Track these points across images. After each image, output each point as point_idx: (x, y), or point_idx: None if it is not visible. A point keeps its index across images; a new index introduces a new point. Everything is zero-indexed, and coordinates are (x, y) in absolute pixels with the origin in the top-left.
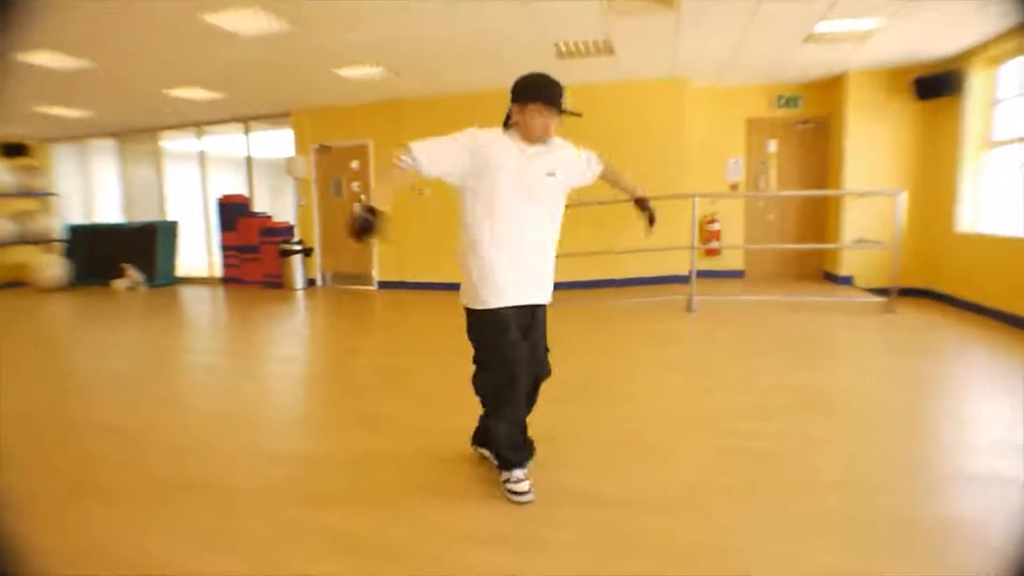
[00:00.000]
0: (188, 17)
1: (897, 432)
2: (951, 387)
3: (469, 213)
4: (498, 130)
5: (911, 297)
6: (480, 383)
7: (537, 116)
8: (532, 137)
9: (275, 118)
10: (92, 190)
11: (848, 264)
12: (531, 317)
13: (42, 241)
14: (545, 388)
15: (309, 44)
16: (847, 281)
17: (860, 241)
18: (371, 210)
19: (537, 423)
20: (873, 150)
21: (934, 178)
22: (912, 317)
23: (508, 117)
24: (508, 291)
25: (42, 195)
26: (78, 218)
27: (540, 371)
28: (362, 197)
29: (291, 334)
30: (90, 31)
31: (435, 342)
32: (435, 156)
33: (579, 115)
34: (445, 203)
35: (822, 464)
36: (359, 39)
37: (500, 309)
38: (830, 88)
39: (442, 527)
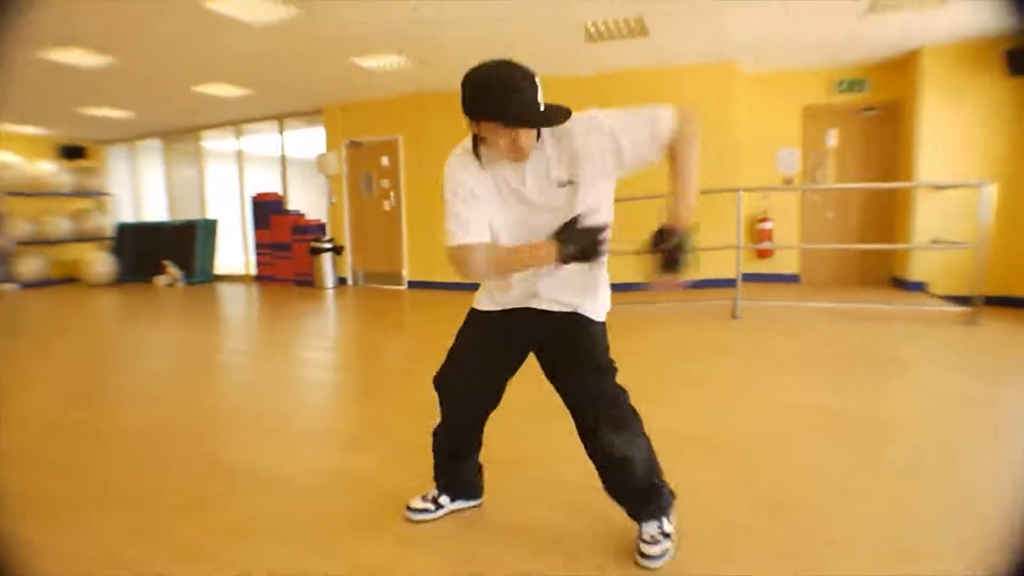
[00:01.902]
0: (191, 5)
1: (954, 479)
2: None
3: None
4: (465, 158)
5: (999, 307)
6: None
7: (494, 135)
8: (506, 158)
9: (308, 115)
10: (140, 189)
11: (922, 268)
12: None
13: (95, 239)
14: (536, 402)
15: (322, 31)
16: (919, 287)
17: (937, 241)
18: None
19: (515, 443)
20: (952, 138)
21: None
22: (998, 330)
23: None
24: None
25: (97, 195)
26: (128, 216)
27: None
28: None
29: (306, 334)
30: (103, 24)
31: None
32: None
33: (559, 122)
34: None
35: (840, 517)
36: (372, 24)
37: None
38: (900, 68)
39: (379, 568)
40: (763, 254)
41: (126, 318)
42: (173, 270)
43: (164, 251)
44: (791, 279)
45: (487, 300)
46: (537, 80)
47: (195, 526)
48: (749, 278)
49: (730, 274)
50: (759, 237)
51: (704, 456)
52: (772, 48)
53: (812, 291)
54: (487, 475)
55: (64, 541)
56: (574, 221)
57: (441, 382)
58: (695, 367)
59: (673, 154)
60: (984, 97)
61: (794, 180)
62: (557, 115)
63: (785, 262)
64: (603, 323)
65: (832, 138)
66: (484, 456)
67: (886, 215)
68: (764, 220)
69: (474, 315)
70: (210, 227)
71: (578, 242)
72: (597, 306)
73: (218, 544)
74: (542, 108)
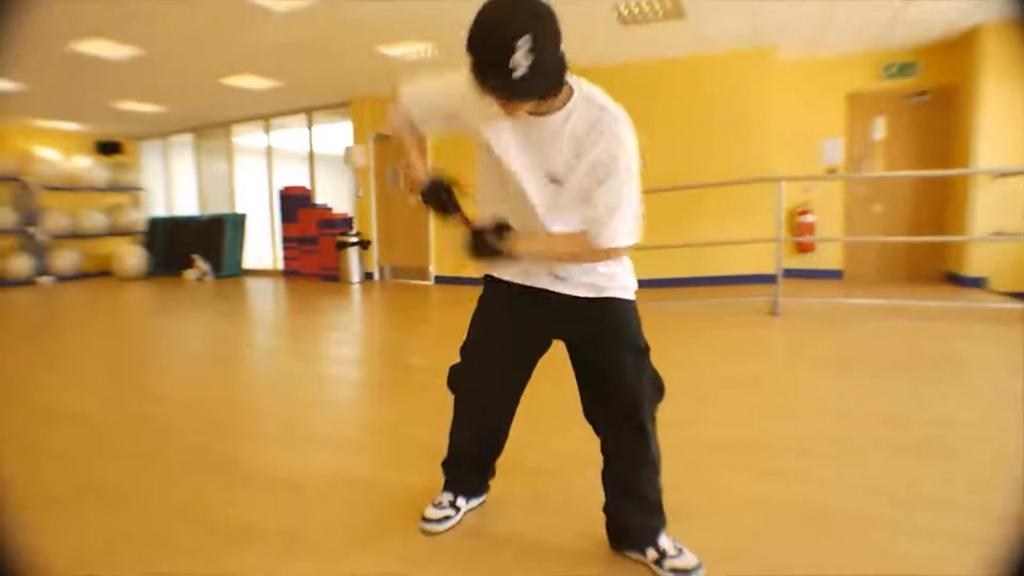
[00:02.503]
0: None
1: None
2: None
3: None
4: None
5: None
6: None
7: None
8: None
9: (335, 108)
10: (172, 183)
11: (981, 262)
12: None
13: (128, 233)
14: (564, 408)
15: (345, 17)
16: (977, 283)
17: (1000, 233)
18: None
19: (537, 450)
20: (1016, 123)
21: None
22: None
23: None
24: None
25: (131, 190)
26: (160, 211)
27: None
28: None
29: (327, 330)
30: (125, 13)
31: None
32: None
33: (530, 96)
34: None
35: (906, 535)
36: (398, 9)
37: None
38: (956, 49)
39: None
40: (804, 248)
41: (152, 312)
42: (201, 264)
43: (194, 245)
44: (834, 275)
45: None
46: (526, 34)
47: (194, 528)
48: (789, 274)
49: (768, 269)
50: (799, 231)
51: (722, 459)
52: (814, 30)
53: (857, 287)
54: (510, 484)
55: (64, 538)
56: (499, 228)
57: (455, 380)
58: (732, 367)
59: (576, 234)
60: None
61: (837, 172)
62: (528, 88)
63: (828, 257)
64: (633, 301)
65: (879, 128)
66: (507, 462)
67: (938, 207)
68: (805, 213)
69: (485, 295)
70: (239, 221)
71: (484, 247)
72: (624, 281)
73: (218, 547)
74: (519, 74)
